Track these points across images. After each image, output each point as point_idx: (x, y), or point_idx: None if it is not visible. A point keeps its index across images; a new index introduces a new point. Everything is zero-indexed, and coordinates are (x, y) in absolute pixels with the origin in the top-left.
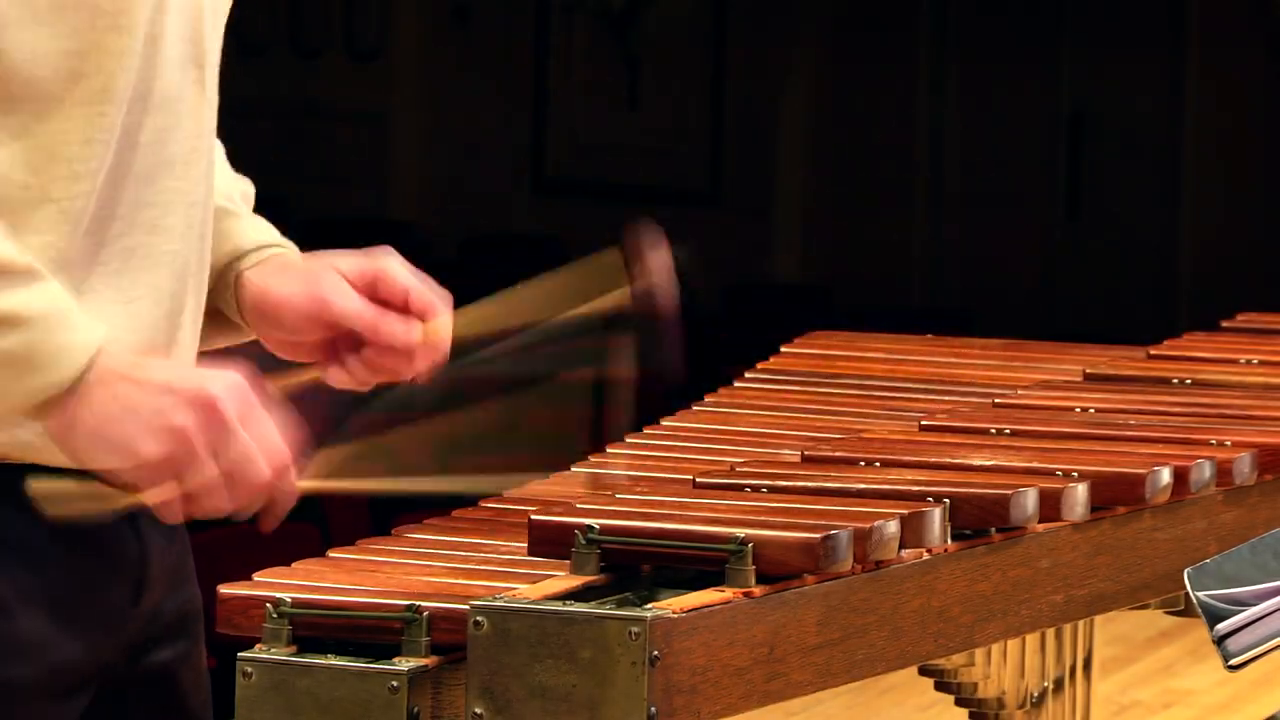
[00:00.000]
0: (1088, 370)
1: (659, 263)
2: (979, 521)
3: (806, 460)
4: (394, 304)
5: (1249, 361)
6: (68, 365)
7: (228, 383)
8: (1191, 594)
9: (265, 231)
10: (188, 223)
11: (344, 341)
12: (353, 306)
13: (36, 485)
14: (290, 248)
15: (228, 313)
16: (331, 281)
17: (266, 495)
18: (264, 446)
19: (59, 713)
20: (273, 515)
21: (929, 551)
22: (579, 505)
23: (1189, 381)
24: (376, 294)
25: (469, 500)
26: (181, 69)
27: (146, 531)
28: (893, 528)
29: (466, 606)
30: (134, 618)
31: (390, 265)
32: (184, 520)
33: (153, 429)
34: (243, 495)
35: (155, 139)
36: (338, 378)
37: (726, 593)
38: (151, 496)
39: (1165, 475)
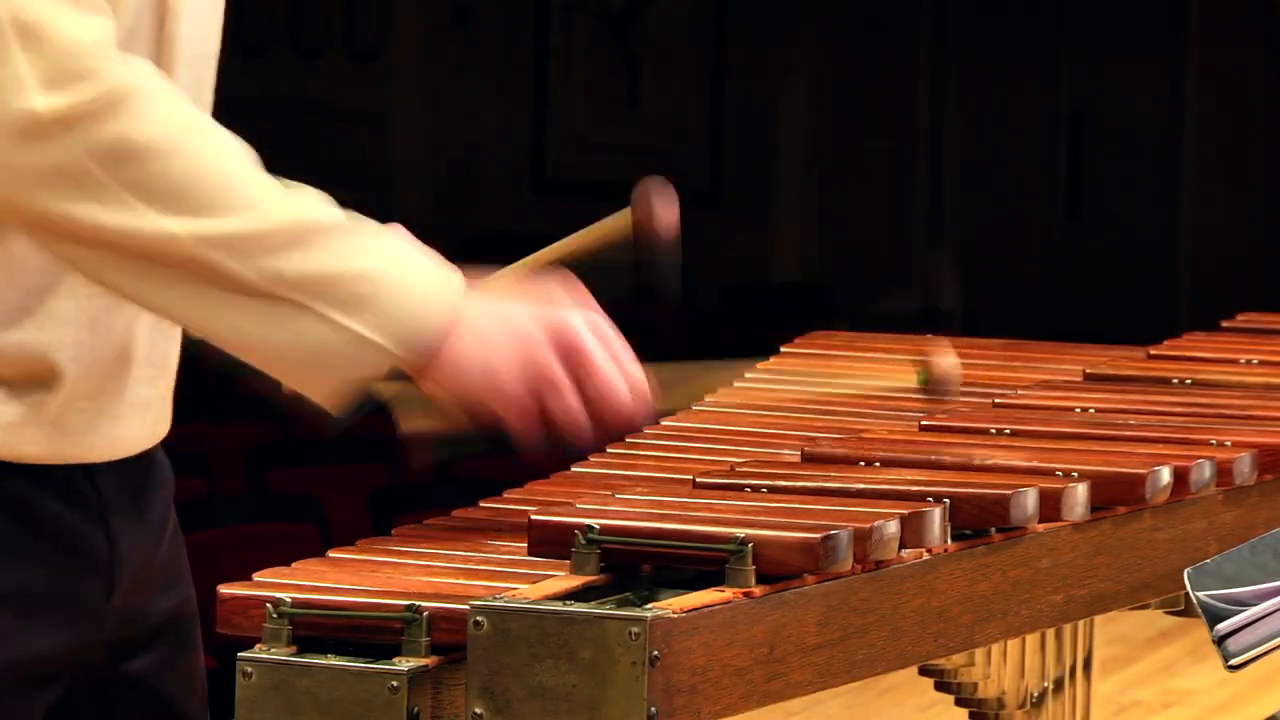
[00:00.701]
0: (1088, 370)
1: (660, 199)
2: (979, 521)
3: (806, 460)
4: None
5: (1249, 361)
6: (433, 310)
7: (586, 316)
8: (1191, 594)
9: None
10: None
11: None
12: None
13: (406, 430)
14: None
15: None
16: None
17: (627, 424)
18: (625, 376)
19: (23, 706)
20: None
21: (929, 551)
22: (579, 505)
23: (1189, 381)
24: None
25: (470, 499)
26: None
27: (116, 529)
28: (893, 528)
29: (466, 606)
30: (108, 615)
31: None
32: (546, 453)
33: (516, 364)
34: (607, 425)
35: None
36: None
37: (726, 593)
38: (518, 428)
39: (1165, 475)
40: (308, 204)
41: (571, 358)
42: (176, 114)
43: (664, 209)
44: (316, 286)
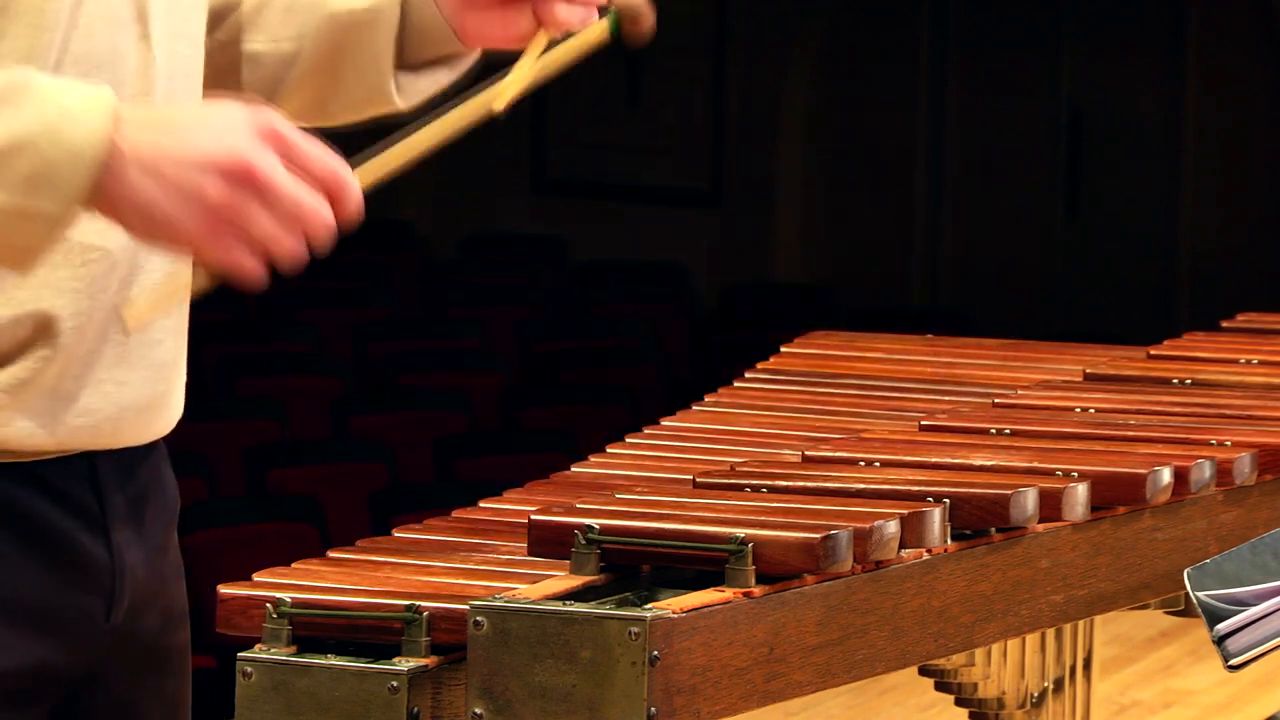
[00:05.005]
0: (1088, 370)
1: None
2: (979, 521)
3: (806, 460)
4: None
5: (1249, 361)
6: (86, 158)
7: (259, 129)
8: (1191, 594)
9: None
10: None
11: None
12: None
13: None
14: None
15: (424, 36)
16: None
17: (332, 220)
18: (316, 176)
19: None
20: (344, 224)
21: (929, 551)
22: (579, 505)
23: (1189, 381)
24: None
25: (469, 500)
26: (116, 27)
27: (118, 542)
28: (893, 528)
29: (466, 606)
30: (106, 632)
31: None
32: (265, 273)
33: (193, 207)
34: (311, 231)
35: None
36: (559, 15)
37: (726, 593)
38: (213, 261)
39: (1165, 475)
40: None
41: (250, 185)
42: None
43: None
44: None
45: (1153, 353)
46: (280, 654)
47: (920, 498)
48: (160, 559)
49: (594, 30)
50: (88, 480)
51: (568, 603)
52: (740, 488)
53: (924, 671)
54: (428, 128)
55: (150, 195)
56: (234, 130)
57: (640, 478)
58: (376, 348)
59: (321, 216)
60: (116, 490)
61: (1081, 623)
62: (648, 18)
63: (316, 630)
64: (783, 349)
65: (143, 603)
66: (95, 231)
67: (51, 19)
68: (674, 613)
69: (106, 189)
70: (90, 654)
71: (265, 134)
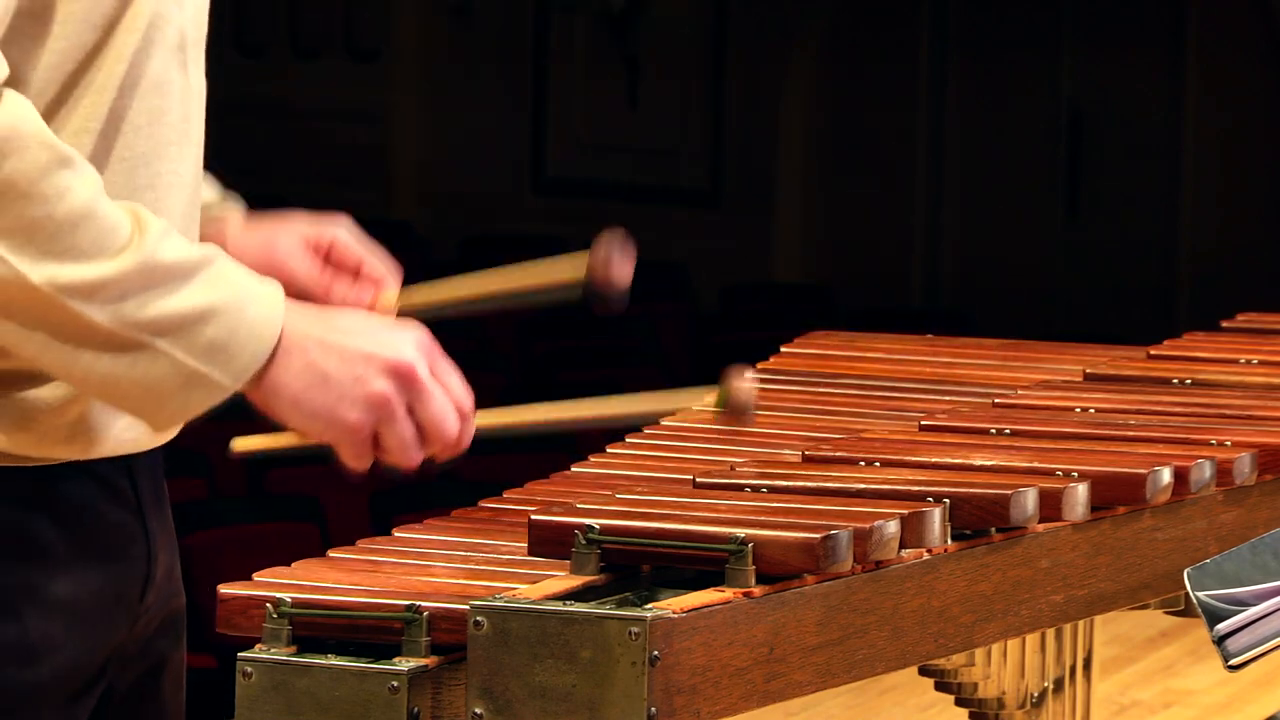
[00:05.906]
0: (1088, 370)
1: (619, 257)
2: (979, 521)
3: (806, 460)
4: (346, 271)
5: (1249, 361)
6: (264, 339)
7: (418, 341)
8: (1191, 594)
9: (211, 189)
10: (183, 203)
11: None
12: (308, 270)
13: (238, 445)
14: (235, 204)
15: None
16: (288, 244)
17: (454, 449)
18: (452, 398)
19: (70, 714)
20: (451, 456)
21: (929, 551)
22: (579, 505)
23: (1189, 381)
24: (329, 260)
25: (469, 500)
26: (169, 53)
27: (152, 527)
28: (893, 528)
29: (466, 606)
30: (140, 614)
31: (342, 234)
32: (371, 471)
33: (353, 398)
34: (435, 447)
35: (149, 121)
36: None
37: (726, 593)
38: (349, 452)
39: (1165, 475)
40: (152, 241)
41: (406, 386)
42: (35, 154)
43: (621, 267)
44: (161, 327)
45: (1153, 353)
46: (280, 654)
47: (920, 498)
48: (171, 537)
49: (703, 397)
50: (125, 470)
51: (568, 603)
52: (740, 488)
53: (924, 671)
54: (552, 417)
55: (309, 383)
56: (397, 335)
57: (640, 478)
58: None
59: (454, 432)
60: (143, 472)
61: (1081, 623)
62: (748, 417)
63: (316, 630)
64: (783, 349)
65: (162, 580)
66: None
67: (128, 51)
68: (674, 613)
69: (270, 374)
70: (127, 637)
71: (420, 345)
